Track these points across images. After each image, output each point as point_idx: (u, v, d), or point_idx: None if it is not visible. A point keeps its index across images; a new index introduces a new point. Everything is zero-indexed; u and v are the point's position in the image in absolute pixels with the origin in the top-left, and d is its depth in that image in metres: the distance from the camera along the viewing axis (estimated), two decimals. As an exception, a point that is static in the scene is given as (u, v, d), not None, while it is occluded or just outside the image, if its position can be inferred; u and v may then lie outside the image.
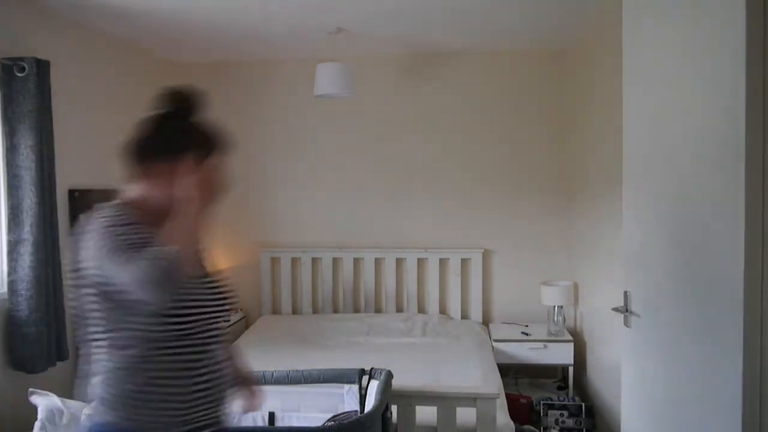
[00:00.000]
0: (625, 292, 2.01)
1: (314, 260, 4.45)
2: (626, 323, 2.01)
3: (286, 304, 4.45)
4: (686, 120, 1.62)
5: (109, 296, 1.29)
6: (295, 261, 4.46)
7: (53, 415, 2.26)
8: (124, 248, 1.27)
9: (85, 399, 1.39)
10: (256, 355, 3.38)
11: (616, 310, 2.05)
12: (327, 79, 3.61)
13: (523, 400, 3.50)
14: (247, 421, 2.33)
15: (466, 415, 2.24)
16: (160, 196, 1.41)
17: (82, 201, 3.41)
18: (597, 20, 3.36)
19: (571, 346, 3.69)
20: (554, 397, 3.54)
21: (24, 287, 2.80)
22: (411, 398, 2.24)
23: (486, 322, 4.27)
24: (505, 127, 4.24)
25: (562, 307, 3.84)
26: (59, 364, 3.02)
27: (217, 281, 1.54)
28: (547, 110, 4.20)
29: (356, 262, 4.41)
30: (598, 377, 3.50)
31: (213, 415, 1.41)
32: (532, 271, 4.21)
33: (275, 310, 4.50)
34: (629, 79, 1.97)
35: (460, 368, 3.13)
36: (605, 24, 3.18)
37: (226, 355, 1.49)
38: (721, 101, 1.42)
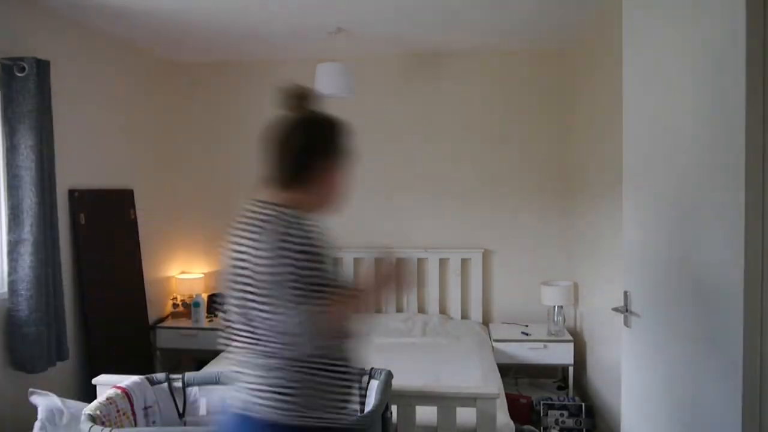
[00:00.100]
0: (625, 292, 2.01)
1: (314, 260, 4.44)
2: (626, 323, 2.01)
3: (286, 304, 4.44)
4: (686, 120, 1.62)
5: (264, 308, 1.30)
6: (295, 261, 4.45)
7: (53, 415, 2.26)
8: (297, 280, 1.28)
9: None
10: (256, 355, 3.40)
11: (616, 310, 2.05)
12: (327, 79, 3.61)
13: (523, 400, 3.49)
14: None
15: (466, 415, 2.24)
16: (315, 198, 1.43)
17: (82, 201, 3.41)
18: (597, 20, 3.36)
19: (571, 346, 3.69)
20: (554, 397, 3.54)
21: (24, 287, 2.80)
22: (411, 398, 2.24)
23: (486, 322, 4.26)
24: (505, 127, 4.24)
25: (562, 307, 3.84)
26: (59, 364, 3.02)
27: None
28: (547, 110, 4.19)
29: (356, 262, 4.41)
30: (598, 377, 3.50)
31: (354, 404, 1.46)
32: (532, 271, 4.21)
33: (275, 310, 4.50)
34: (629, 79, 1.97)
35: (460, 368, 3.13)
36: (605, 24, 3.17)
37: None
38: (721, 101, 1.42)
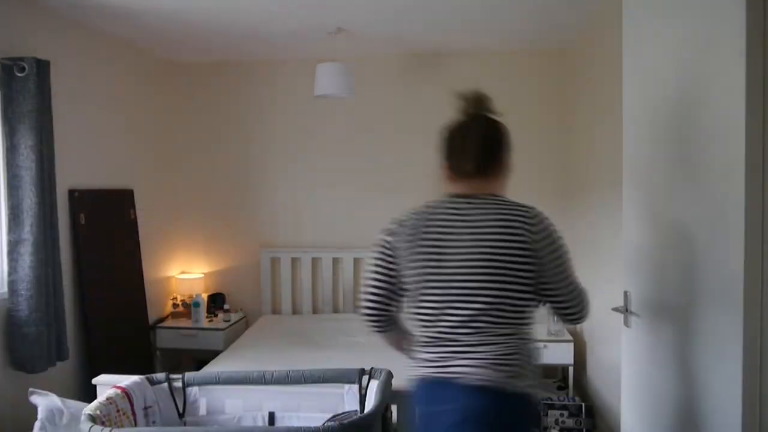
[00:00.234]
0: (625, 292, 2.01)
1: (314, 260, 4.45)
2: (626, 323, 2.01)
3: (286, 304, 4.45)
4: (686, 120, 1.62)
5: (540, 290, 1.52)
6: (295, 261, 4.46)
7: (53, 414, 2.26)
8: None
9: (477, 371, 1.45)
10: (256, 355, 3.40)
11: (616, 310, 2.05)
12: (327, 79, 3.60)
13: (523, 400, 3.49)
14: (247, 421, 2.34)
15: (466, 415, 2.24)
16: (501, 186, 1.67)
17: (82, 201, 3.41)
18: (597, 20, 3.36)
19: (571, 346, 3.69)
20: (554, 397, 3.54)
21: (24, 287, 2.80)
22: (411, 398, 2.24)
23: (486, 322, 4.26)
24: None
25: (562, 307, 3.83)
26: (59, 364, 3.02)
27: None
28: (547, 110, 4.19)
29: (356, 262, 4.41)
30: (598, 377, 3.50)
31: None
32: (532, 271, 4.20)
33: (275, 310, 4.51)
34: (629, 79, 1.97)
35: (460, 368, 3.12)
36: (605, 24, 3.17)
37: None
38: (721, 101, 1.42)
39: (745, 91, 1.30)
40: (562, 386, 3.93)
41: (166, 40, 3.89)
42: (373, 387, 2.19)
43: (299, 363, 2.84)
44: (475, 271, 1.46)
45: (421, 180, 4.37)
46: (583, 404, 3.40)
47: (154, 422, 2.23)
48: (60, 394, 2.42)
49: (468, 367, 1.43)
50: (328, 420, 2.14)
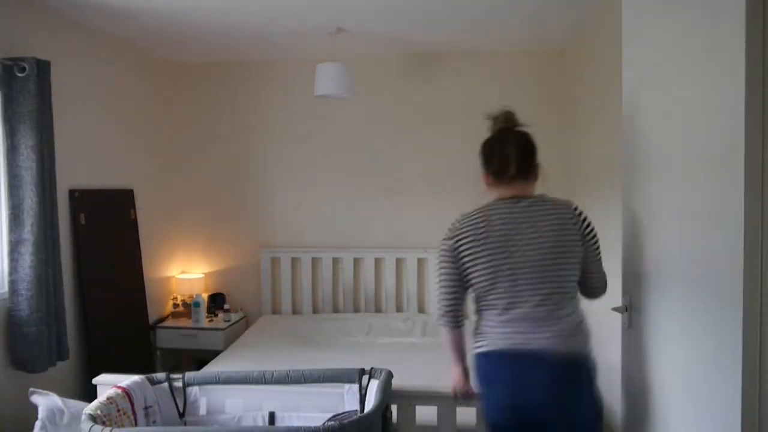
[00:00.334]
0: (625, 292, 2.01)
1: (314, 260, 4.45)
2: (626, 323, 2.01)
3: (286, 304, 4.46)
4: (686, 119, 1.62)
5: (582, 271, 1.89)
6: (295, 261, 4.47)
7: (53, 414, 2.26)
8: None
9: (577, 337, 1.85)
10: (256, 355, 3.40)
11: (616, 309, 2.05)
12: (327, 79, 3.60)
13: (523, 400, 3.49)
14: (247, 421, 2.34)
15: (466, 415, 2.24)
16: (534, 189, 1.93)
17: (82, 201, 3.41)
18: (597, 20, 3.36)
19: (571, 345, 3.68)
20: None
21: (25, 287, 2.80)
22: (411, 398, 2.24)
23: (486, 321, 4.26)
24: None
25: (562, 306, 3.83)
26: (59, 363, 3.02)
27: None
28: (547, 110, 4.20)
29: (356, 262, 4.41)
30: (597, 377, 3.49)
31: None
32: (532, 271, 4.21)
33: (275, 310, 4.51)
34: (629, 79, 1.97)
35: (460, 368, 3.12)
36: (605, 24, 3.18)
37: None
38: (721, 101, 1.42)
39: (744, 91, 1.30)
40: (562, 386, 3.93)
41: (166, 40, 3.90)
42: (373, 387, 2.19)
43: (299, 363, 2.84)
44: (541, 261, 1.77)
45: (421, 179, 4.38)
46: None
47: (154, 422, 2.24)
48: (60, 394, 2.42)
49: (550, 339, 1.75)
50: (328, 420, 2.14)
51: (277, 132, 4.48)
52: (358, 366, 2.35)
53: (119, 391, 2.11)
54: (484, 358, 1.82)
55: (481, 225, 1.84)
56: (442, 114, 4.32)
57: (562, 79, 4.18)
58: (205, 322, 4.19)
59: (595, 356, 1.90)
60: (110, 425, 1.94)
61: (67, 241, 3.30)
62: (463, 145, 4.30)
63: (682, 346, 1.64)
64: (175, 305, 4.41)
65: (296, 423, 2.32)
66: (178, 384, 2.33)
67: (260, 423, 2.33)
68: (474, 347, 1.87)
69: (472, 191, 4.23)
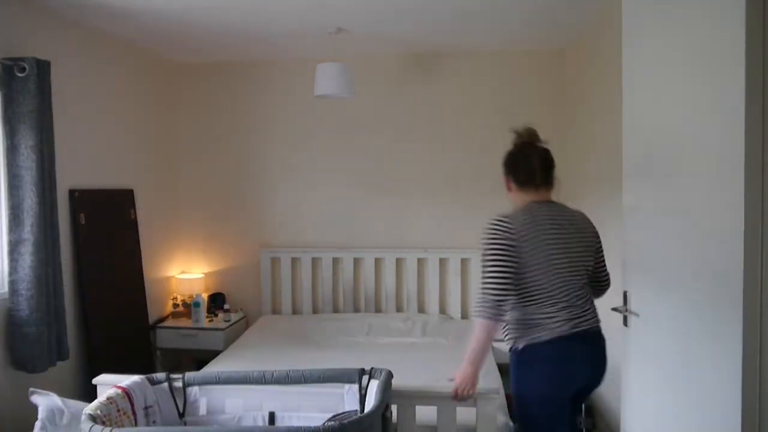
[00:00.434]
0: (625, 292, 2.01)
1: (314, 260, 4.45)
2: (626, 323, 2.01)
3: (286, 304, 4.45)
4: (686, 119, 1.62)
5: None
6: (295, 261, 4.47)
7: (53, 414, 2.26)
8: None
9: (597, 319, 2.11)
10: (256, 355, 3.40)
11: (615, 310, 2.05)
12: (327, 79, 3.60)
13: (523, 400, 3.49)
14: (247, 421, 2.34)
15: (466, 415, 2.24)
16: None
17: (82, 201, 3.41)
18: (597, 20, 3.36)
19: (571, 345, 3.68)
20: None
21: (25, 287, 2.80)
22: (411, 398, 2.24)
23: (486, 321, 4.26)
24: (505, 126, 4.21)
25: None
26: (59, 363, 3.02)
27: None
28: (547, 110, 4.20)
29: (356, 262, 4.41)
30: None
31: None
32: (532, 271, 4.21)
33: (275, 310, 4.51)
34: (629, 79, 1.97)
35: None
36: (605, 24, 3.18)
37: None
38: (721, 101, 1.42)
39: (744, 90, 1.30)
40: (562, 386, 3.93)
41: (166, 40, 3.90)
42: (373, 387, 2.19)
43: (299, 363, 2.84)
44: (578, 256, 2.07)
45: (421, 179, 4.38)
46: (583, 404, 3.40)
47: (154, 422, 2.23)
48: (60, 394, 2.42)
49: (588, 320, 2.05)
50: (328, 420, 2.14)
51: (277, 132, 4.48)
52: (358, 366, 2.35)
53: (119, 391, 2.11)
54: (549, 345, 1.98)
55: (534, 223, 2.03)
56: (442, 114, 4.32)
57: (562, 79, 4.18)
58: (205, 322, 4.19)
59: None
60: (110, 425, 1.94)
61: (67, 241, 3.30)
62: (464, 144, 4.32)
63: (682, 346, 1.64)
64: (175, 305, 4.41)
65: (296, 423, 2.32)
66: (178, 384, 2.33)
67: (260, 423, 2.33)
68: (525, 338, 2.02)
69: (472, 191, 4.27)
